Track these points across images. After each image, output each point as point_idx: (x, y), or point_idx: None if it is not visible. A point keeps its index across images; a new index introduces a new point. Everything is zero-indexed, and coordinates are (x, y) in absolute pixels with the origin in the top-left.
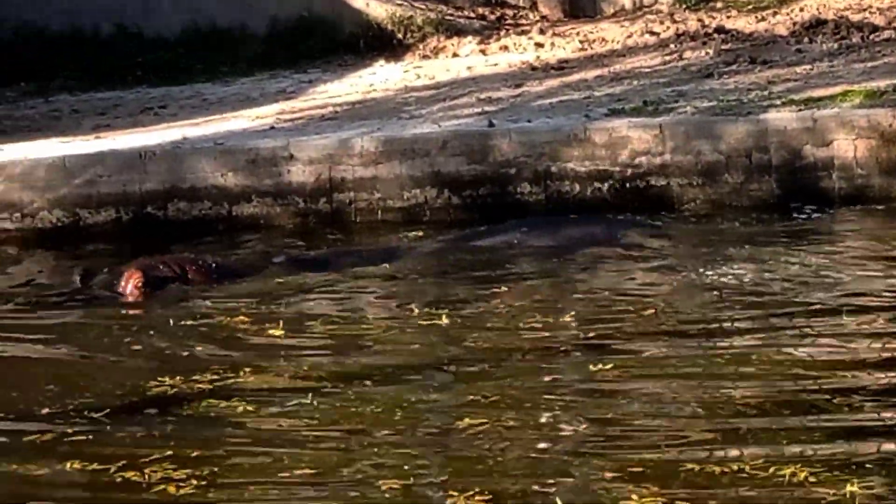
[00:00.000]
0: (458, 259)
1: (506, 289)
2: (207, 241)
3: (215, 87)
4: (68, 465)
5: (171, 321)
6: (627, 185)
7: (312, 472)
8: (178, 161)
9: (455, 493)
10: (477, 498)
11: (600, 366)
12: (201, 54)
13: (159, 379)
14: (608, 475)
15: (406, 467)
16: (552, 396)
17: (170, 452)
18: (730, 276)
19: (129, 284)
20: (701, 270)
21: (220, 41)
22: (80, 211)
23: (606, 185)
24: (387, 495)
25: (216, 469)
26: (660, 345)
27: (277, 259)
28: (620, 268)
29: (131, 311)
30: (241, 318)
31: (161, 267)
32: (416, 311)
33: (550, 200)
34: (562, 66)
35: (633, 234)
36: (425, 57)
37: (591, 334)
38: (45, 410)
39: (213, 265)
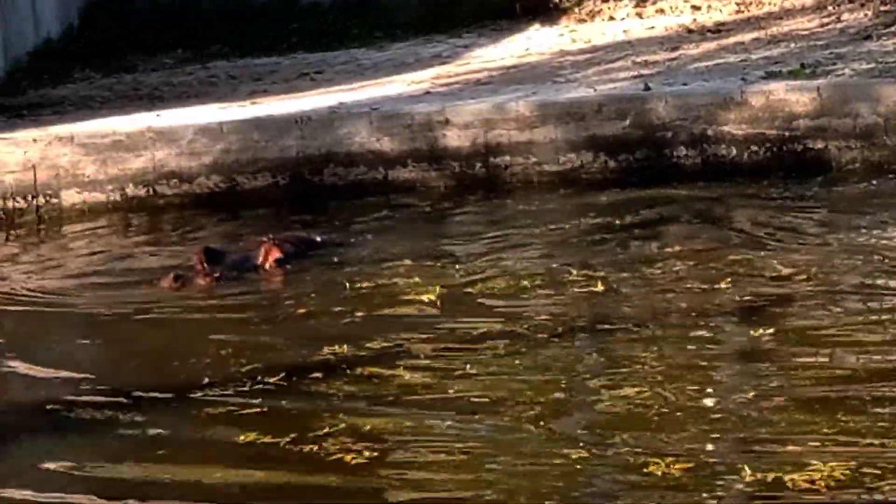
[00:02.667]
0: (612, 223)
1: (662, 252)
2: (363, 206)
3: (370, 53)
4: (241, 437)
5: (319, 292)
6: (784, 148)
7: (484, 439)
8: (334, 126)
9: (653, 459)
10: (677, 466)
11: (760, 331)
12: (356, 20)
13: (326, 349)
14: (790, 448)
15: (580, 440)
16: (713, 363)
17: (342, 423)
18: (887, 239)
19: (270, 259)
20: (858, 234)
21: (374, 7)
22: (236, 176)
23: (763, 148)
24: (561, 469)
25: (388, 438)
26: (818, 309)
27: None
28: (778, 231)
29: (273, 285)
30: (394, 284)
31: (287, 243)
32: (574, 272)
33: (706, 164)
34: (718, 29)
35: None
36: (581, 20)
37: (748, 298)
38: (211, 383)
39: (329, 241)
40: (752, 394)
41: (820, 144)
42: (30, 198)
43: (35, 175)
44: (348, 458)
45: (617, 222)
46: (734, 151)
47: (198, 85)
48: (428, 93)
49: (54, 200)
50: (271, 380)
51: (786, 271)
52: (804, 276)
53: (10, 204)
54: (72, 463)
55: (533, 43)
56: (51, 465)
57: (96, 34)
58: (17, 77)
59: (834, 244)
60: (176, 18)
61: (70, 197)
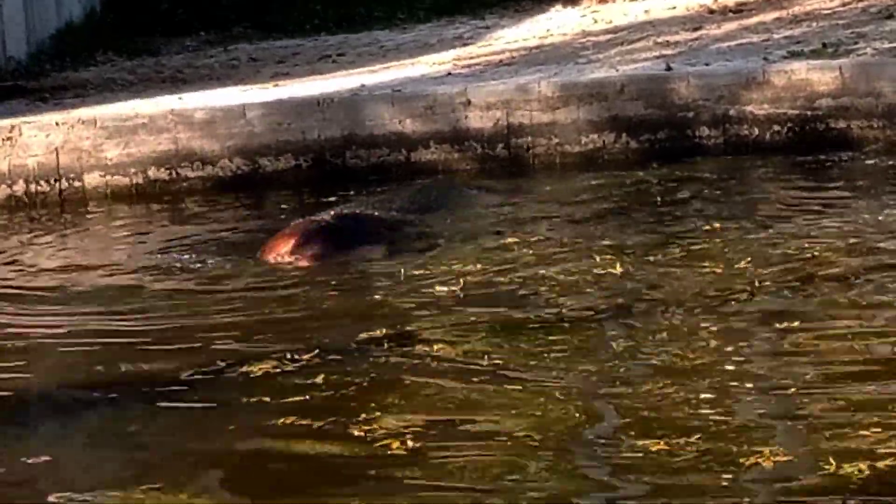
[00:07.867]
0: (631, 204)
1: (684, 232)
2: (386, 188)
3: (393, 34)
4: (281, 420)
5: (353, 279)
6: (807, 127)
7: (522, 424)
8: (356, 108)
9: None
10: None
11: (787, 312)
12: (379, 2)
13: (361, 332)
14: (860, 432)
15: (620, 430)
16: (736, 357)
17: (383, 407)
18: None
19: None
20: (881, 213)
21: None
22: (259, 159)
23: (785, 127)
24: (608, 461)
25: (428, 424)
26: (843, 289)
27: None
28: (800, 211)
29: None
30: (421, 267)
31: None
32: (599, 254)
33: (729, 144)
34: (740, 9)
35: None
36: (602, 1)
37: (772, 278)
38: (251, 362)
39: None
40: (789, 383)
41: (842, 124)
42: (52, 181)
43: (58, 158)
44: (396, 442)
45: (639, 203)
46: (756, 131)
47: (220, 67)
48: (450, 74)
49: (77, 183)
50: (308, 359)
51: (809, 251)
52: (828, 256)
53: (32, 187)
54: (113, 435)
55: (555, 24)
56: (93, 436)
57: (119, 17)
58: (40, 60)
59: (857, 223)
60: (198, 1)
61: (93, 180)
